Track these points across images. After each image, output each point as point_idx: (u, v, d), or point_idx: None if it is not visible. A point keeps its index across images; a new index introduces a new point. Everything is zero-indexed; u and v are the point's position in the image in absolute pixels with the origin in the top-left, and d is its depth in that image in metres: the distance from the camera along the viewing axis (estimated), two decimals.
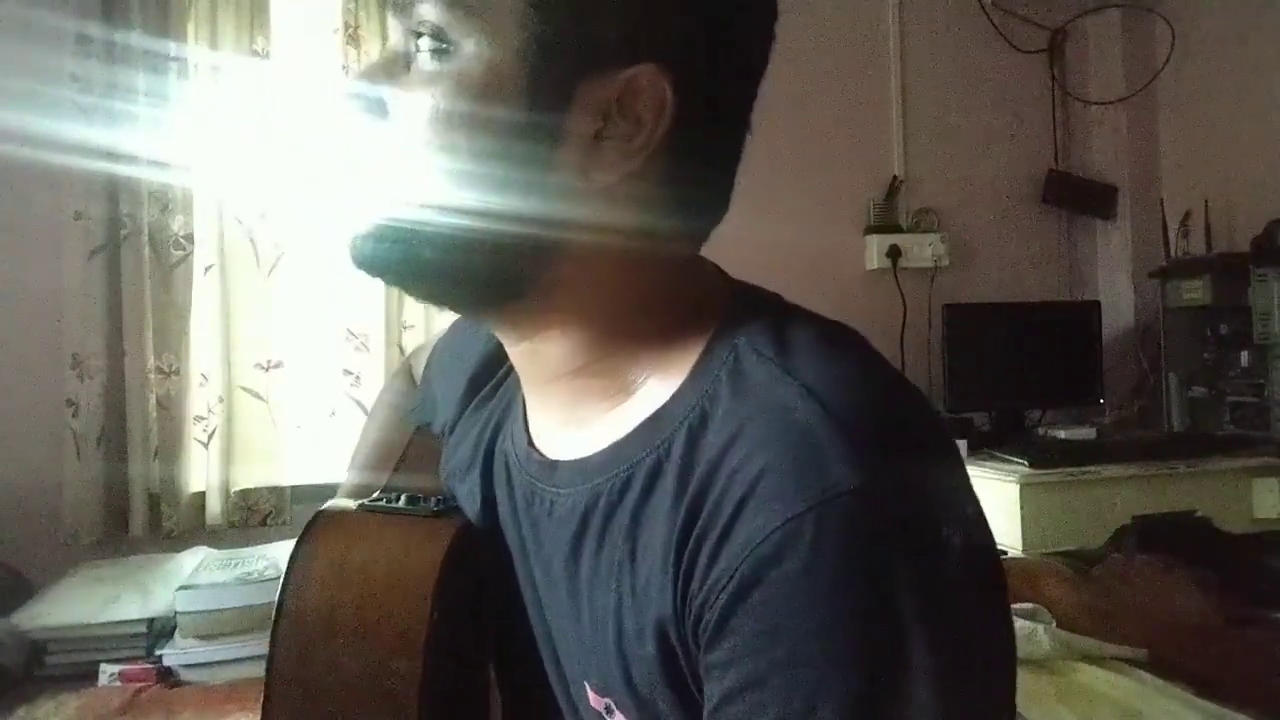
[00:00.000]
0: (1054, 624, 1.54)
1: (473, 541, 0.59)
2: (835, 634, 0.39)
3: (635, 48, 0.46)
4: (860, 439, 0.42)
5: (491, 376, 0.67)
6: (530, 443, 0.57)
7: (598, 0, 0.46)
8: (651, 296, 0.52)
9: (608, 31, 0.46)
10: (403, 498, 0.61)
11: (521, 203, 0.47)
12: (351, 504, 0.62)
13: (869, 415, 0.44)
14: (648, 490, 0.48)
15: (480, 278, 0.50)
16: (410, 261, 0.49)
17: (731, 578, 0.41)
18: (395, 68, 0.49)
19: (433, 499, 0.62)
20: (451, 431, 0.69)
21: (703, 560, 0.43)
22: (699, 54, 0.47)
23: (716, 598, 0.42)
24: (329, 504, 0.63)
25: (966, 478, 0.46)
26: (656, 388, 0.51)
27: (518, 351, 0.56)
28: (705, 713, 0.43)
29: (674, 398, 0.49)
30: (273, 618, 0.55)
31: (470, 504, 0.62)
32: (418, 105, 0.47)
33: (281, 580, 0.56)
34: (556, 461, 0.55)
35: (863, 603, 0.40)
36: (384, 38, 2.16)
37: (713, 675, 0.43)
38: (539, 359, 0.54)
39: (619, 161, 0.47)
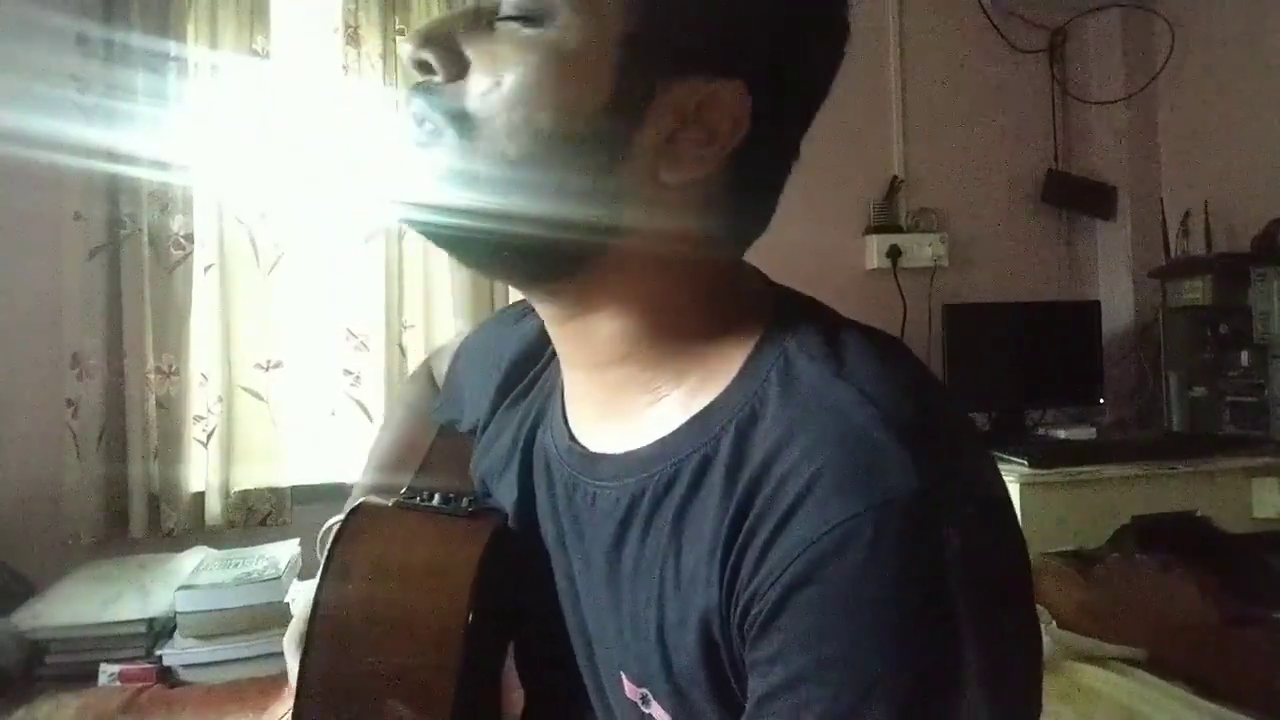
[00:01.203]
0: (1054, 624, 1.54)
1: (507, 542, 0.60)
2: (887, 635, 0.40)
3: (727, 62, 0.47)
4: (917, 444, 0.42)
5: (525, 375, 0.67)
6: (570, 436, 0.58)
7: (705, 9, 0.47)
8: (698, 295, 0.52)
9: (706, 40, 0.47)
10: (436, 496, 0.62)
11: (587, 187, 0.48)
12: (387, 501, 0.63)
13: (923, 420, 0.44)
14: (695, 485, 0.49)
15: (530, 249, 0.49)
16: (463, 229, 0.49)
17: (783, 574, 0.42)
18: (477, 25, 0.48)
19: (464, 499, 0.62)
20: (484, 430, 0.69)
21: (752, 555, 0.44)
22: (783, 80, 0.49)
23: (766, 593, 0.42)
24: (365, 499, 0.64)
25: (1005, 485, 0.47)
26: (703, 385, 0.51)
27: (564, 332, 0.56)
28: (749, 707, 0.43)
29: (722, 396, 0.50)
30: (310, 610, 0.56)
31: (508, 498, 0.63)
32: (504, 68, 0.46)
33: (320, 572, 0.57)
34: (599, 455, 0.55)
35: (916, 605, 0.40)
36: (385, 37, 2.15)
37: (757, 670, 0.43)
38: (584, 340, 0.54)
39: (686, 167, 0.48)
